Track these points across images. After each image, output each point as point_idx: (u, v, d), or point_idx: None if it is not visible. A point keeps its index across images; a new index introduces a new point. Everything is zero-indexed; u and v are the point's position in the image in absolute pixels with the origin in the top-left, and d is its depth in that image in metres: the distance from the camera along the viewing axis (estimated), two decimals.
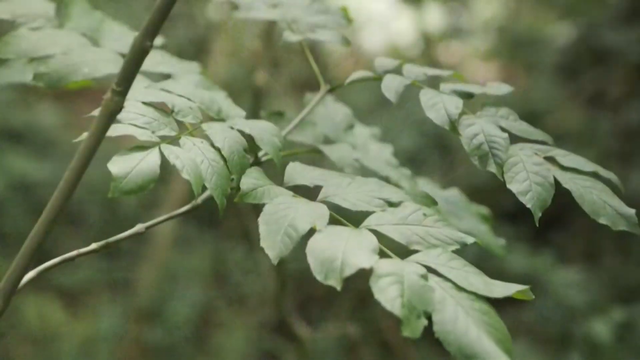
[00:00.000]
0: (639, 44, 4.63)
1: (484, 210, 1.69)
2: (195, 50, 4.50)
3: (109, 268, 4.63)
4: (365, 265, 1.03)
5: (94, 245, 1.20)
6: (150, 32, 1.04)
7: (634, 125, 4.73)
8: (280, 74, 4.64)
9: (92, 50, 1.44)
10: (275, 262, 1.07)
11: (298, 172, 1.30)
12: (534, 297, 1.12)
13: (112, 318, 4.34)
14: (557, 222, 4.54)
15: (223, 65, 4.52)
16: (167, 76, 1.47)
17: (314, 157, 1.55)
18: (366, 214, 1.19)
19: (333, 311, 4.57)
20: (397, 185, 1.35)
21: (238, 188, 1.20)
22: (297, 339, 2.39)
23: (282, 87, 4.73)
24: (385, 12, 5.97)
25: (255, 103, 2.30)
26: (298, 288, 4.20)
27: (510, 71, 6.10)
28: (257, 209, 1.16)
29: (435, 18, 5.73)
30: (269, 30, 3.12)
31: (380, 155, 1.58)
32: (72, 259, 1.18)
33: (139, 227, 1.25)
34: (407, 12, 5.75)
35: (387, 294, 1.00)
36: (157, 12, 1.03)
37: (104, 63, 1.40)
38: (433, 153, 4.94)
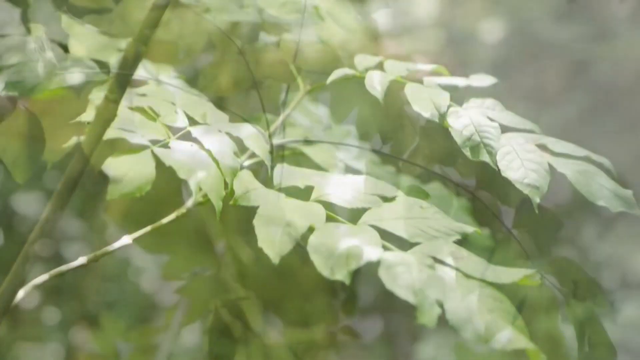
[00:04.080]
0: (575, 39, 4.68)
1: (466, 202, 1.68)
2: None
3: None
4: (372, 257, 1.01)
5: (82, 259, 1.15)
6: (145, 36, 1.00)
7: (573, 119, 4.79)
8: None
9: (64, 56, 1.38)
10: (276, 261, 1.04)
11: (287, 174, 1.27)
12: (540, 281, 1.11)
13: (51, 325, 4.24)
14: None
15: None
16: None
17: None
18: (361, 213, 1.17)
19: (279, 314, 4.53)
20: None
21: (231, 191, 1.17)
22: (263, 343, 2.35)
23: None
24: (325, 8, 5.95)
25: (218, 106, 2.25)
26: None
27: (447, 68, 6.14)
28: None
29: (375, 14, 5.74)
30: (230, 31, 3.07)
31: (362, 153, 1.56)
32: (61, 274, 1.13)
33: (125, 238, 1.20)
34: (348, 8, 5.74)
35: (399, 283, 0.98)
36: (151, 14, 1.00)
37: (78, 69, 1.35)
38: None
